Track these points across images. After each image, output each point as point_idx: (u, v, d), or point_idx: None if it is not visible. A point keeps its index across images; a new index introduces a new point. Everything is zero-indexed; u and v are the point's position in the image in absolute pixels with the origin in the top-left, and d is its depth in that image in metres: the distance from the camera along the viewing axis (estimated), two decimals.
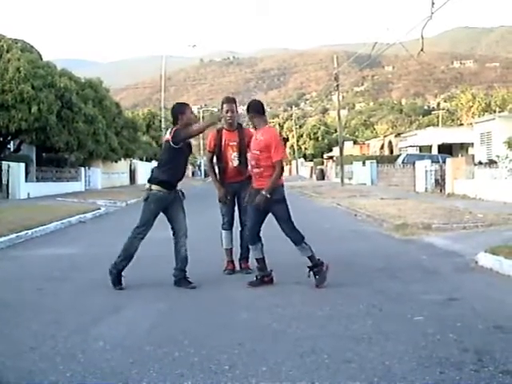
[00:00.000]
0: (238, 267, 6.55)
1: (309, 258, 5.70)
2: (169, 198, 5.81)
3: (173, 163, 5.79)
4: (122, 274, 5.75)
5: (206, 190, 34.89)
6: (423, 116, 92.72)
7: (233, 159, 6.24)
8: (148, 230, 5.84)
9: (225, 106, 6.17)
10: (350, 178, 36.14)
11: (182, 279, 5.78)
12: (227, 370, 3.32)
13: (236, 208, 6.51)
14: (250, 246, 5.92)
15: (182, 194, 5.98)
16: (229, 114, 6.12)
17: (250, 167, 6.08)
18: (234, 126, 6.25)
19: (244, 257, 6.51)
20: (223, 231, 6.50)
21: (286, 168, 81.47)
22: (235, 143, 6.21)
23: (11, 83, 21.80)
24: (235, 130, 6.26)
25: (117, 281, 5.71)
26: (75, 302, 5.23)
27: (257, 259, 5.81)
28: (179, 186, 5.97)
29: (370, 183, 33.32)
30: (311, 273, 5.67)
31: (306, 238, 5.84)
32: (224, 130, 6.26)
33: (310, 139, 71.49)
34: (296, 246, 5.76)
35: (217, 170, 6.49)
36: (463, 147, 38.76)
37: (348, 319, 4.42)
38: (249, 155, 6.06)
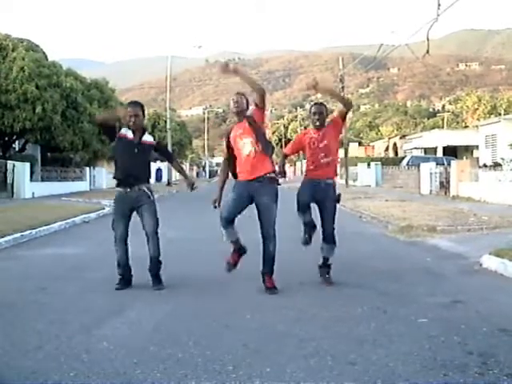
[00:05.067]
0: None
1: (327, 258, 5.89)
2: (128, 197, 5.74)
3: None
4: (132, 275, 5.82)
5: (210, 191, 34.95)
6: (428, 118, 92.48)
7: (243, 146, 5.37)
8: (118, 232, 5.81)
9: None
10: (354, 180, 36.10)
11: (154, 278, 5.76)
12: (231, 371, 3.32)
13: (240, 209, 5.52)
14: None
15: (151, 192, 5.80)
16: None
17: (312, 161, 5.83)
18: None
19: (266, 271, 5.52)
20: (222, 229, 5.58)
21: (291, 169, 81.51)
22: (241, 130, 5.40)
23: (15, 83, 21.88)
24: (243, 120, 5.40)
25: (119, 280, 5.74)
26: (79, 301, 5.23)
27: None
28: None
29: (374, 185, 33.27)
30: (324, 271, 5.89)
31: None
32: (234, 126, 5.54)
33: None
34: (327, 244, 5.87)
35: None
36: (468, 150, 38.72)
37: (352, 321, 4.41)
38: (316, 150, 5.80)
